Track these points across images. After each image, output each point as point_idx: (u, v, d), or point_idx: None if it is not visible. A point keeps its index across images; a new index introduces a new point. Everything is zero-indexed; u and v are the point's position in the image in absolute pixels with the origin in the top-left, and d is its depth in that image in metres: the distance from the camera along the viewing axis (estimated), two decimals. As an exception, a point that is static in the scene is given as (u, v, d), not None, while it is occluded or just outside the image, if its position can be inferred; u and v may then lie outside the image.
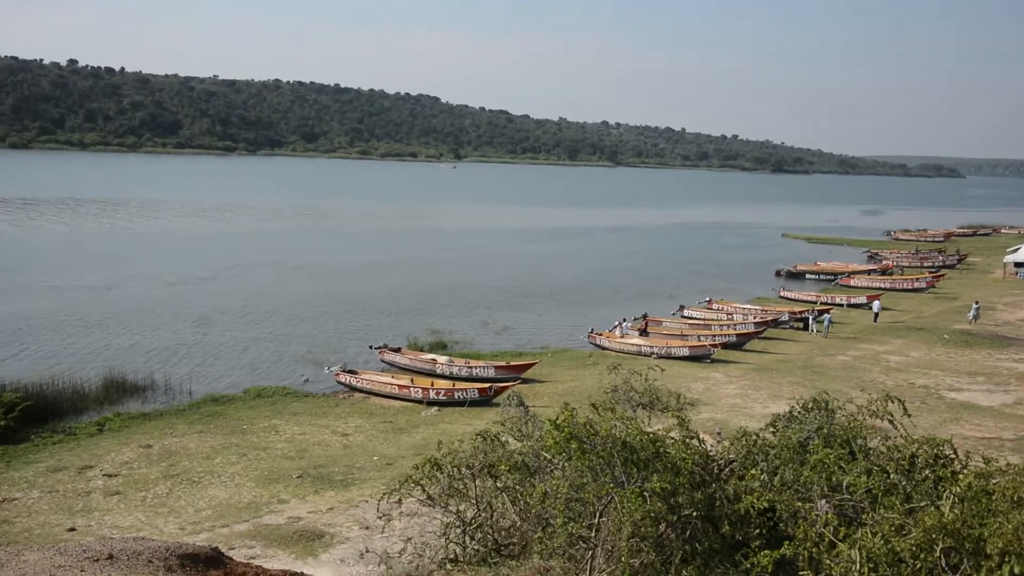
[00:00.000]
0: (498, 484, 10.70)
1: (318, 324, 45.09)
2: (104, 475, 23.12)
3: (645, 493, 8.64)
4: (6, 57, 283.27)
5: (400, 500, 10.79)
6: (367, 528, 19.31)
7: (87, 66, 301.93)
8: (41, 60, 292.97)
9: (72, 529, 19.52)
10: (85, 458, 24.48)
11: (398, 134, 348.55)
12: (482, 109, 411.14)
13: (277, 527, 19.82)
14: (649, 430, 9.66)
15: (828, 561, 7.73)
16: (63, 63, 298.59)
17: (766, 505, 8.80)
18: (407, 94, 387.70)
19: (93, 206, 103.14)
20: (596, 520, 9.01)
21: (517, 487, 10.45)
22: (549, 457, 10.36)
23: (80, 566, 10.06)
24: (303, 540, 18.95)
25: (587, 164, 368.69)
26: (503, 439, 11.50)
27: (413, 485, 10.79)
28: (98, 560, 10.21)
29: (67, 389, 29.98)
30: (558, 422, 9.33)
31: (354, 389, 33.35)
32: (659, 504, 8.68)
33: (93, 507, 20.99)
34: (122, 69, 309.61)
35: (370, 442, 26.88)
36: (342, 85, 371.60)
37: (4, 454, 25.08)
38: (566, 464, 9.60)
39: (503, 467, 10.49)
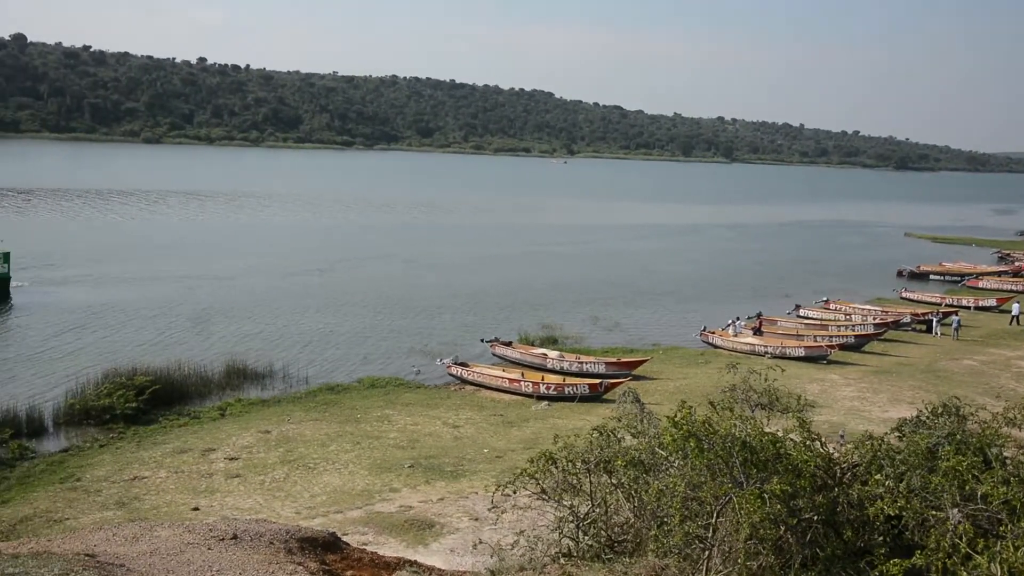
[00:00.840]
0: (613, 480, 10.58)
1: (431, 317, 45.68)
2: (226, 458, 23.92)
3: (765, 495, 8.41)
4: (142, 56, 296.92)
5: (514, 491, 10.78)
6: (476, 519, 19.43)
7: (215, 64, 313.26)
8: (174, 59, 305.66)
9: (196, 508, 20.26)
10: (208, 441, 25.38)
11: (511, 129, 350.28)
12: (596, 105, 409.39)
13: (389, 515, 20.13)
14: (769, 431, 9.43)
15: (964, 573, 7.37)
16: (193, 61, 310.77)
17: (894, 512, 8.45)
18: (521, 90, 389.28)
19: (219, 199, 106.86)
20: (713, 520, 8.82)
21: (632, 484, 10.32)
22: (665, 455, 10.19)
23: (207, 544, 10.43)
24: (414, 528, 19.20)
25: (701, 160, 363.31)
26: (619, 435, 11.37)
27: (527, 478, 10.75)
28: (223, 539, 10.56)
29: (192, 375, 31.16)
30: (676, 419, 9.17)
31: (465, 382, 33.66)
32: (779, 506, 8.45)
33: (215, 488, 21.75)
34: (247, 66, 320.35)
35: (480, 434, 27.07)
36: (457, 81, 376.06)
37: (135, 434, 26.27)
38: (683, 462, 9.43)
39: (619, 463, 10.37)
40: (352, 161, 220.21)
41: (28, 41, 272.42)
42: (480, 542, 12.30)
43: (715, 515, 8.83)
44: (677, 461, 9.73)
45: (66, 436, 26.46)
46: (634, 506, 10.24)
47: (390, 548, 17.19)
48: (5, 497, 21.14)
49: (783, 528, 8.57)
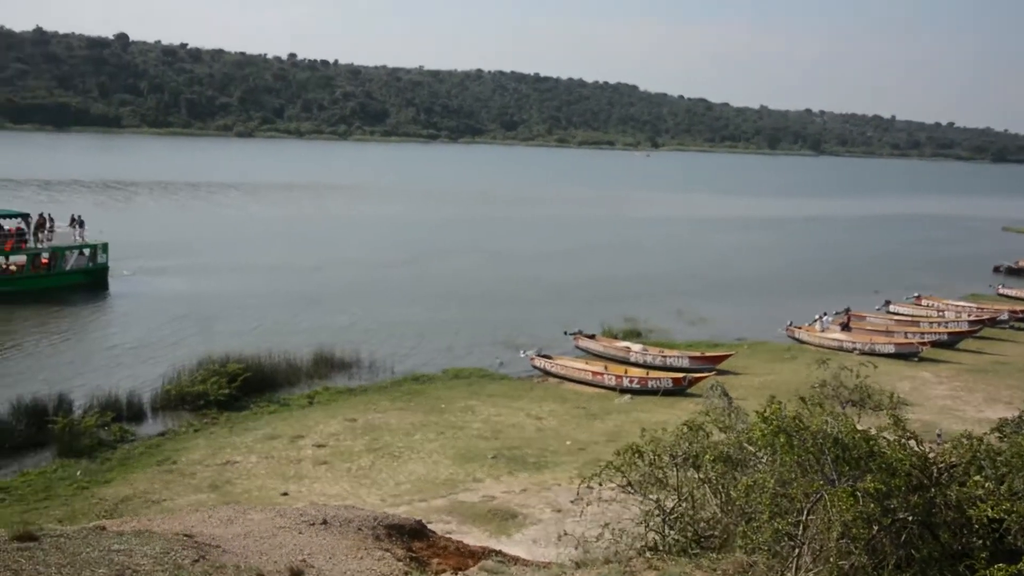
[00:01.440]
0: (700, 475, 10.50)
1: (514, 309, 45.84)
2: (314, 445, 24.43)
3: (857, 493, 8.23)
4: (236, 53, 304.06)
5: (600, 484, 10.77)
6: (559, 511, 19.49)
7: (305, 59, 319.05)
8: (265, 55, 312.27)
9: (285, 493, 20.75)
10: (297, 428, 25.95)
11: (595, 122, 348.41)
12: (680, 97, 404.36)
13: (472, 504, 20.33)
14: (861, 428, 9.23)
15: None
16: (284, 56, 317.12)
17: (997, 515, 8.18)
18: (605, 83, 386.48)
19: (309, 191, 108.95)
20: (804, 517, 8.67)
21: (720, 479, 10.22)
22: (754, 450, 10.06)
23: (298, 528, 10.70)
24: (497, 519, 19.36)
25: (788, 153, 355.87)
26: (707, 430, 11.27)
27: (613, 471, 10.74)
28: (313, 524, 10.83)
29: (282, 363, 31.82)
30: (765, 415, 9.04)
31: (548, 374, 33.70)
32: (872, 505, 8.26)
33: (303, 474, 22.24)
34: (335, 61, 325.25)
35: (563, 426, 27.09)
36: (541, 74, 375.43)
37: (227, 420, 27.01)
38: (772, 458, 9.30)
39: (707, 458, 10.28)
40: (437, 154, 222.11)
41: (130, 40, 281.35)
42: (564, 534, 12.32)
43: (805, 512, 8.67)
44: (766, 457, 9.59)
45: (163, 420, 27.33)
46: (721, 501, 10.15)
47: (473, 537, 17.36)
48: (108, 477, 21.99)
49: (876, 528, 8.39)
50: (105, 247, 46.50)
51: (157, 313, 40.92)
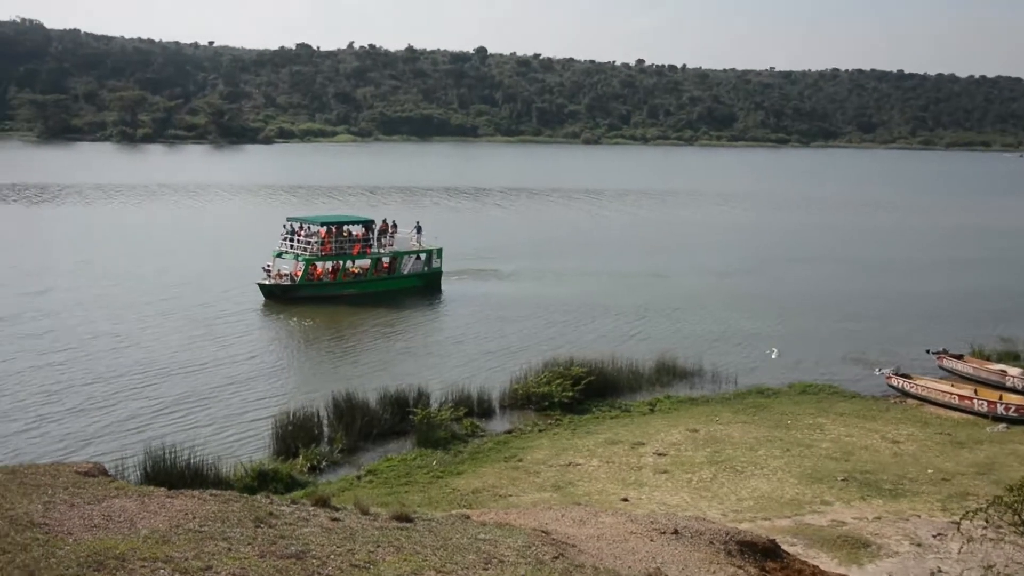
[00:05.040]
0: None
1: (867, 322, 43.14)
2: (654, 453, 24.36)
3: None
4: (585, 61, 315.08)
5: (987, 521, 9.61)
6: (919, 544, 17.95)
7: (652, 65, 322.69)
8: (613, 62, 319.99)
9: (625, 499, 20.83)
10: (638, 435, 26.03)
11: (968, 122, 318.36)
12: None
13: (819, 528, 19.23)
14: None
15: None
16: (631, 63, 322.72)
17: None
18: (982, 77, 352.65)
19: (651, 197, 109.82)
20: None
21: None
22: None
23: (649, 535, 10.60)
24: (847, 546, 18.13)
25: None
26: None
27: (1004, 508, 9.53)
28: (664, 533, 10.68)
29: (624, 368, 32.06)
30: None
31: (906, 394, 31.19)
32: None
33: (643, 482, 22.23)
34: (683, 66, 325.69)
35: (923, 453, 24.92)
36: (905, 71, 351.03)
37: (570, 422, 27.75)
38: None
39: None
40: (786, 159, 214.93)
41: (488, 53, 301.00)
42: (939, 571, 11.16)
43: None
44: None
45: (509, 418, 28.61)
46: None
47: (820, 563, 16.38)
48: (459, 469, 23.39)
49: None
50: (439, 252, 49.51)
51: (491, 316, 42.90)
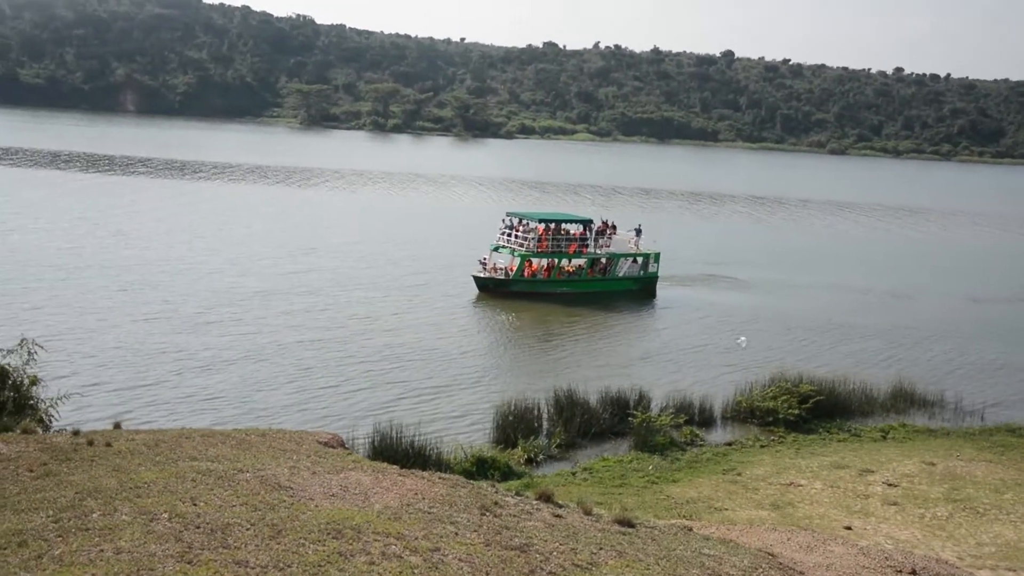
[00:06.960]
0: None
1: None
2: (884, 483, 22.95)
3: None
4: (838, 68, 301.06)
5: None
6: None
7: (912, 74, 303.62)
8: (868, 69, 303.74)
9: (848, 528, 19.75)
10: (867, 461, 24.62)
11: None
12: None
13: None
14: None
15: None
16: (889, 71, 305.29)
17: None
18: None
19: (894, 213, 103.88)
20: None
21: None
22: None
23: (883, 571, 9.99)
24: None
25: None
26: None
27: None
28: (901, 572, 10.01)
29: (856, 391, 30.48)
30: None
31: None
32: None
33: (870, 511, 20.99)
34: (947, 76, 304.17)
35: None
36: None
37: (794, 441, 26.70)
38: None
39: None
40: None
41: (735, 57, 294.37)
42: None
43: None
44: None
45: (730, 430, 27.93)
46: None
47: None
48: (675, 477, 23.02)
49: None
50: (657, 257, 48.63)
51: (713, 325, 42.03)
